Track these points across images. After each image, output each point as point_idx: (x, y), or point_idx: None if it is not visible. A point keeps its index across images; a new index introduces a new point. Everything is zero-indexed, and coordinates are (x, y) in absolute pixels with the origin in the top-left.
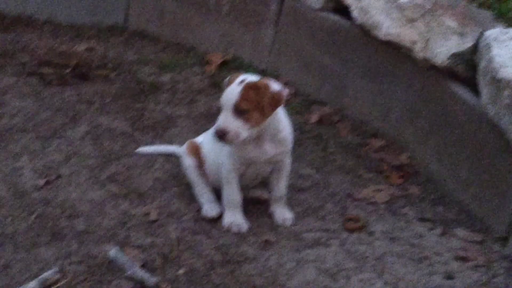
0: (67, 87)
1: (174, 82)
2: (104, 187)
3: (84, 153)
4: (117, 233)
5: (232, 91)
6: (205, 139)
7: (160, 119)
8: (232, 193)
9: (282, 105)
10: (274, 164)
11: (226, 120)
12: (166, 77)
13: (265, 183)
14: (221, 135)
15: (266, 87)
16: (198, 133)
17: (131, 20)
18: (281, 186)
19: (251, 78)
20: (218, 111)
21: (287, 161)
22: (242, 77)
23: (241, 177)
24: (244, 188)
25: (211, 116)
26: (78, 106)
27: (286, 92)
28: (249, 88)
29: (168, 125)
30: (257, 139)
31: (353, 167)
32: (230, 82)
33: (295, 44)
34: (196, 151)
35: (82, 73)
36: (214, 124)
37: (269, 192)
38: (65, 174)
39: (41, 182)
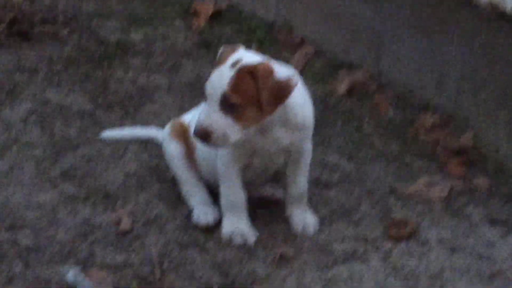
0: (2, 49)
1: (149, 42)
2: (56, 187)
3: (27, 141)
4: (76, 249)
5: (221, 77)
6: (195, 118)
7: (131, 92)
8: (233, 192)
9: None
10: (289, 153)
11: (211, 116)
12: (137, 35)
13: (278, 178)
14: (203, 136)
15: (268, 73)
16: (183, 110)
17: None
18: (299, 182)
19: (249, 58)
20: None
21: (307, 148)
22: (237, 55)
23: (245, 170)
24: (250, 184)
25: (201, 86)
26: (17, 75)
27: (295, 80)
28: (244, 74)
29: (142, 100)
30: (263, 126)
31: (397, 153)
32: (220, 61)
33: None
34: (183, 134)
35: (22, 31)
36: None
37: (284, 190)
38: (3, 170)
39: None
